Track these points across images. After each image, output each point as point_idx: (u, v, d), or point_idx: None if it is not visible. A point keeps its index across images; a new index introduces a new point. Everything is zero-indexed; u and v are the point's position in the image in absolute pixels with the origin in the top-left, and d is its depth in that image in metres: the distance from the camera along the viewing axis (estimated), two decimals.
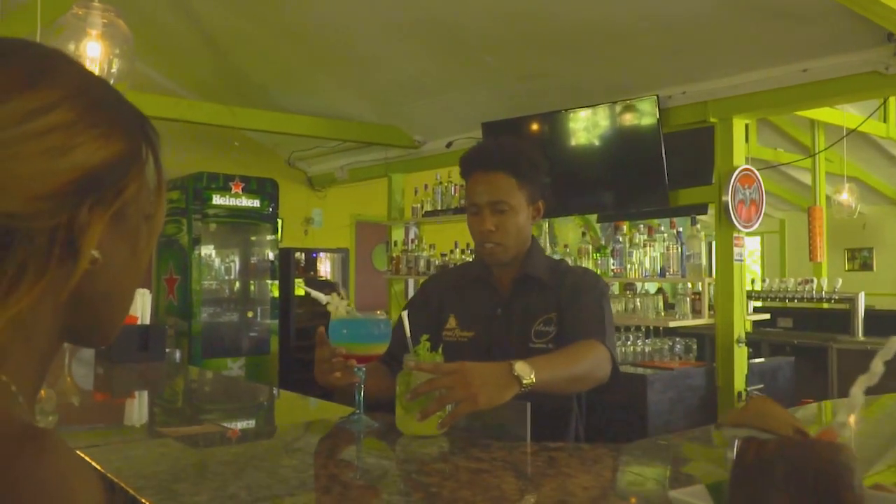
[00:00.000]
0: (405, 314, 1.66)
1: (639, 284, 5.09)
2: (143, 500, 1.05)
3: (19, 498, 0.49)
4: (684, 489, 0.92)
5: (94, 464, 1.27)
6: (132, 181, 0.67)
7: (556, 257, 3.43)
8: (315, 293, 1.61)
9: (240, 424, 1.89)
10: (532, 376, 1.46)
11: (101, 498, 0.55)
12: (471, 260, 4.24)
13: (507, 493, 1.09)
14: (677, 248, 4.28)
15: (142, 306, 3.03)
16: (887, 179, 9.05)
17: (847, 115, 5.74)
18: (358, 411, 1.60)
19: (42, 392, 2.62)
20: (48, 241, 0.59)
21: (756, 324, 5.61)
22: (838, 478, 0.74)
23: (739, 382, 4.04)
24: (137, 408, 2.30)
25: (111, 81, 2.56)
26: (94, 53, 2.53)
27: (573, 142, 4.84)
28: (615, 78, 4.51)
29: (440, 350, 1.54)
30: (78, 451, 1.30)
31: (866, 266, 10.25)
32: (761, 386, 4.09)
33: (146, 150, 0.70)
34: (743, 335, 4.07)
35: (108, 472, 1.21)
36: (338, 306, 1.55)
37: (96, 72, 2.54)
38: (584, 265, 4.42)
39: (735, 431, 0.80)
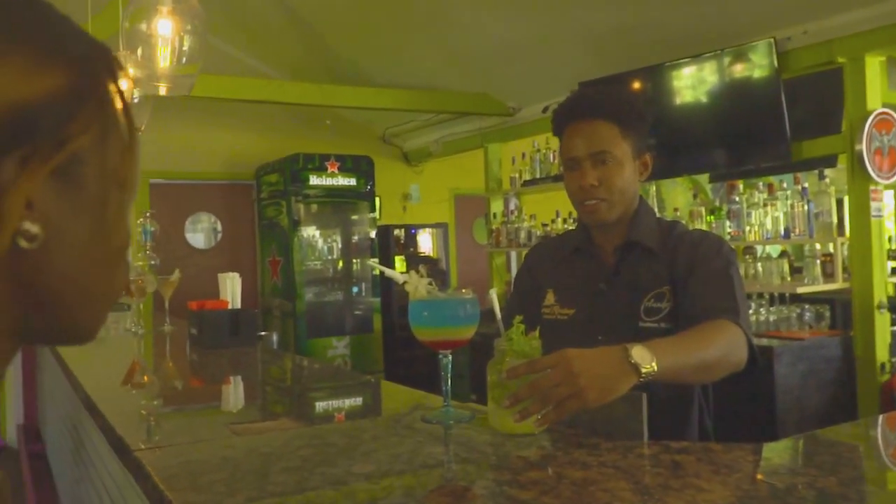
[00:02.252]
0: (494, 294, 1.44)
1: (759, 247, 4.70)
2: None
3: None
4: None
5: (149, 470, 1.13)
6: (84, 129, 0.49)
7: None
8: (389, 272, 1.42)
9: (317, 420, 1.73)
10: (653, 363, 1.22)
11: None
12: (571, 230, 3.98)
13: None
14: (803, 206, 3.90)
15: (232, 290, 2.95)
16: None
17: None
18: (446, 402, 1.41)
19: (145, 377, 2.59)
20: None
21: None
22: None
23: (882, 352, 3.62)
24: (223, 397, 2.20)
25: (182, 60, 2.45)
26: (164, 31, 2.42)
27: (680, 98, 4.48)
28: (724, 22, 4.11)
29: (537, 332, 1.32)
30: (136, 454, 1.15)
31: None
32: None
33: (107, 90, 0.52)
34: (885, 300, 3.64)
35: (160, 481, 1.07)
36: (417, 286, 1.36)
37: (167, 49, 2.45)
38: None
39: None
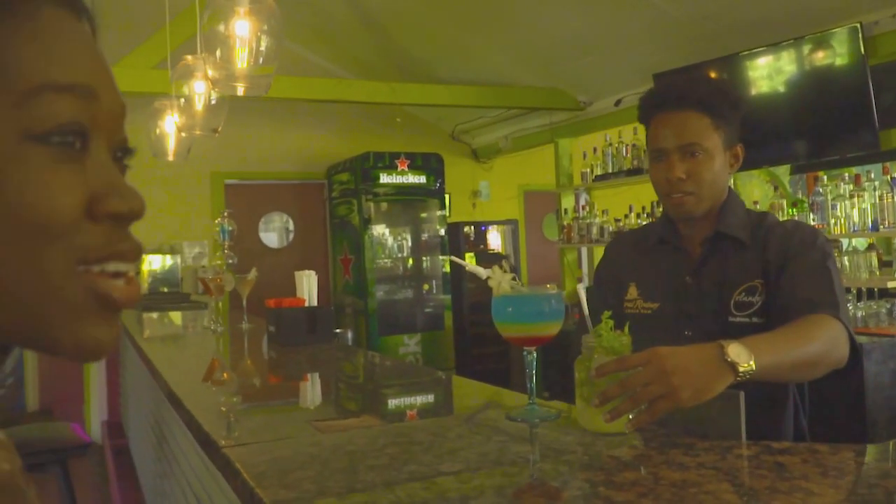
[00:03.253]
0: (580, 288, 1.41)
1: (846, 241, 4.52)
2: None
3: None
4: None
5: (238, 467, 1.14)
6: None
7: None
8: (472, 267, 1.40)
9: (398, 417, 1.72)
10: (751, 362, 1.16)
11: (11, 472, 0.40)
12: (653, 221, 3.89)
13: None
14: (892, 197, 3.72)
15: (308, 288, 2.97)
16: None
17: None
18: (531, 400, 1.38)
19: (225, 374, 2.64)
20: None
21: None
22: None
23: None
24: (302, 394, 2.22)
25: (259, 61, 2.48)
26: (242, 32, 2.45)
27: (756, 89, 4.33)
28: (805, 8, 3.95)
29: (626, 328, 1.28)
30: (224, 451, 1.16)
31: None
32: None
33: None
34: None
35: (250, 478, 1.07)
36: (500, 281, 1.33)
37: (245, 50, 2.48)
38: None
39: None
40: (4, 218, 0.41)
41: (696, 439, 1.16)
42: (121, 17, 5.10)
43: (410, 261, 6.84)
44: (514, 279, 1.35)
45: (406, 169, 6.51)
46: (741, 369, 1.15)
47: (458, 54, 5.78)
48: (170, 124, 3.90)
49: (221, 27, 2.44)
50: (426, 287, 6.80)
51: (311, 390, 2.26)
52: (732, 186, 1.70)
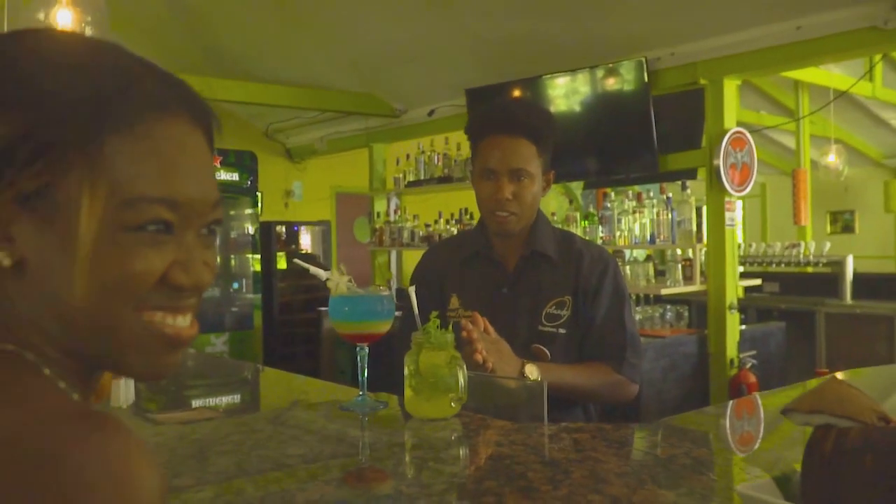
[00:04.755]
0: (412, 290, 1.56)
1: (628, 252, 5.04)
2: None
3: (79, 475, 0.47)
4: (751, 483, 0.84)
5: None
6: (50, 173, 0.55)
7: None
8: (314, 269, 1.51)
9: (233, 408, 1.79)
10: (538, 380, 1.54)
11: (161, 479, 0.51)
12: (463, 230, 4.11)
13: (534, 481, 1.01)
14: (667, 215, 4.22)
15: None
16: (870, 140, 9.03)
17: (833, 75, 5.68)
18: (362, 392, 1.52)
19: None
20: None
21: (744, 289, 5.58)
22: None
23: (732, 349, 4.00)
24: (123, 388, 2.20)
25: None
26: (65, 21, 2.38)
27: (555, 107, 4.73)
28: (600, 40, 4.40)
29: (450, 328, 1.45)
30: None
31: (848, 229, 10.28)
32: (753, 352, 4.05)
33: (99, 145, 0.56)
34: (735, 301, 4.03)
35: None
36: (338, 282, 1.46)
37: None
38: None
39: (808, 418, 0.73)
40: (104, 281, 0.56)
41: (507, 422, 1.35)
42: None
43: (219, 258, 6.69)
44: (350, 281, 1.48)
45: (218, 165, 6.38)
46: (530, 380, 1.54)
47: (276, 53, 5.77)
48: None
49: (42, 15, 2.36)
50: (235, 286, 6.70)
51: (123, 389, 2.24)
52: None
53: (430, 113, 5.68)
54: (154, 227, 0.57)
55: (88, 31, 2.39)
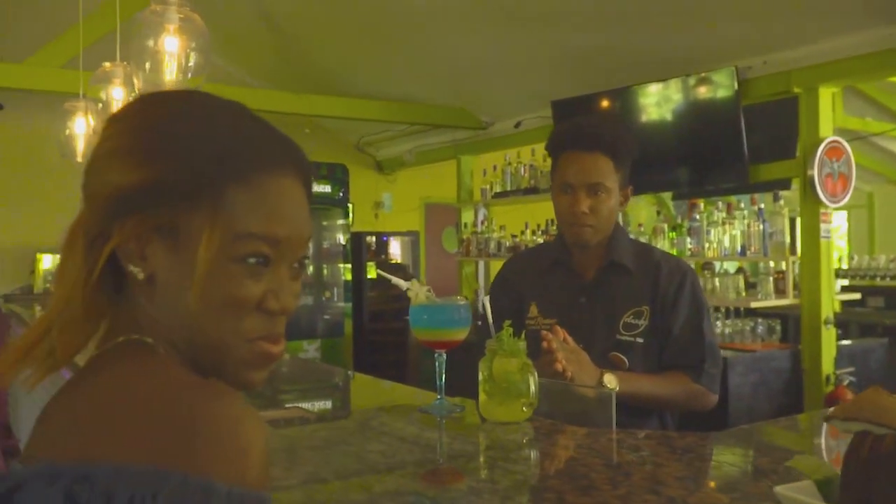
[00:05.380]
0: (487, 300, 1.64)
1: (717, 264, 4.96)
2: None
3: (198, 432, 0.58)
4: (791, 485, 0.87)
5: None
6: (181, 211, 0.69)
7: (636, 238, 3.34)
8: (396, 279, 1.61)
9: (321, 408, 1.91)
10: (616, 387, 1.60)
11: (267, 439, 0.62)
12: (545, 241, 4.15)
13: (595, 481, 1.07)
14: (759, 226, 4.14)
15: None
16: None
17: None
18: (440, 396, 1.59)
19: None
20: (87, 245, 0.69)
21: (845, 304, 5.38)
22: None
23: (828, 365, 3.88)
24: None
25: (188, 75, 2.60)
26: (171, 48, 2.57)
27: (645, 117, 4.72)
28: (690, 50, 4.37)
29: (523, 336, 1.51)
30: None
31: None
32: (851, 369, 3.92)
33: (222, 191, 0.69)
34: (831, 316, 3.91)
35: None
36: (418, 292, 1.55)
37: (174, 66, 2.59)
38: (659, 245, 4.32)
39: (847, 425, 0.76)
40: (213, 301, 0.69)
41: (577, 427, 1.40)
42: (30, 15, 5.04)
43: (311, 268, 6.94)
44: (429, 291, 1.56)
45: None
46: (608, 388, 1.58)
47: (367, 69, 5.96)
48: (80, 126, 3.93)
49: (151, 42, 2.54)
50: (327, 294, 6.92)
51: None
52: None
53: (517, 125, 5.75)
54: (254, 259, 0.69)
55: (193, 57, 2.57)
